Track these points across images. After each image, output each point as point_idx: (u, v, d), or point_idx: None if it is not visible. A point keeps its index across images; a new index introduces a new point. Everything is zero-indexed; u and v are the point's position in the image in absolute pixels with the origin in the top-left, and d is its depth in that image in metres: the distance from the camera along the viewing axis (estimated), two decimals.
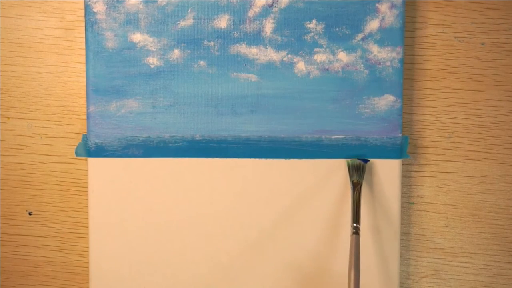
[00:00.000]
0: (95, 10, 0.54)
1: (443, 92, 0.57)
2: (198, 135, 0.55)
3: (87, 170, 0.56)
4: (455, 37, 0.56)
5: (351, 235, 0.51)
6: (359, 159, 0.54)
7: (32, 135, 0.59)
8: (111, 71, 0.55)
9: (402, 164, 0.57)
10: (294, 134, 0.55)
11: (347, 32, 0.54)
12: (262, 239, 0.56)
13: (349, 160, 0.54)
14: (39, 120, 0.59)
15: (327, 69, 0.55)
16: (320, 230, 0.55)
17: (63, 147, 0.59)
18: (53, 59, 0.58)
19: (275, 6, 0.54)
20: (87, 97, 0.55)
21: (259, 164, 0.55)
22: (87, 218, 0.57)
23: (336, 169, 0.55)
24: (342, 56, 0.54)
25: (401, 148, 0.54)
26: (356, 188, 0.53)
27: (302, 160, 0.55)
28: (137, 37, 0.55)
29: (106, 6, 0.54)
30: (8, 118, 0.59)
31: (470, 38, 0.56)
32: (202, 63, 0.55)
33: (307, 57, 0.54)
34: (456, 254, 0.58)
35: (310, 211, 0.55)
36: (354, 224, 0.52)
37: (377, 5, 0.54)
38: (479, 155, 0.57)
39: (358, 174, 0.54)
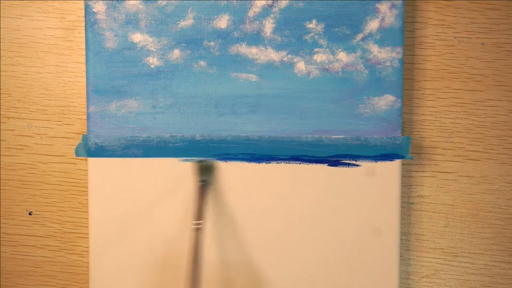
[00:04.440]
0: (95, 10, 0.54)
1: (443, 92, 0.57)
2: (198, 135, 0.55)
3: (87, 170, 0.56)
4: (455, 37, 0.56)
5: (194, 231, 0.52)
6: (207, 160, 0.55)
7: (32, 135, 0.59)
8: (111, 71, 0.55)
9: (402, 164, 0.57)
10: (294, 134, 0.55)
11: (347, 32, 0.54)
12: (262, 240, 0.56)
13: (198, 161, 0.55)
14: (39, 120, 0.59)
15: (327, 69, 0.55)
16: (322, 232, 0.55)
17: (63, 147, 0.59)
18: (53, 59, 0.58)
19: (275, 6, 0.54)
20: (87, 97, 0.55)
21: (260, 165, 0.55)
22: (87, 218, 0.57)
23: (335, 172, 0.55)
24: (342, 56, 0.54)
25: (403, 149, 0.54)
26: (204, 187, 0.54)
27: (302, 161, 0.55)
28: (137, 37, 0.55)
29: (106, 6, 0.54)
30: (8, 118, 0.59)
31: (470, 38, 0.56)
32: (202, 63, 0.55)
33: (307, 57, 0.54)
34: (456, 254, 0.58)
35: (310, 213, 0.55)
36: (197, 221, 0.53)
37: (377, 5, 0.54)
38: (479, 155, 0.57)
39: (207, 174, 0.54)
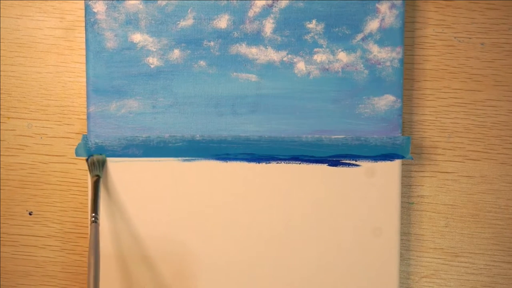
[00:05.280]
0: (95, 10, 0.54)
1: (443, 92, 0.57)
2: (198, 135, 0.55)
3: (87, 170, 0.56)
4: (455, 37, 0.56)
5: (90, 224, 0.52)
6: (98, 155, 0.55)
7: (32, 135, 0.59)
8: (111, 71, 0.55)
9: (402, 164, 0.57)
10: (294, 134, 0.55)
11: (347, 32, 0.54)
12: (262, 239, 0.56)
13: (89, 156, 0.55)
14: (39, 120, 0.59)
15: (327, 69, 0.55)
16: (322, 232, 0.55)
17: (63, 147, 0.59)
18: (53, 59, 0.58)
19: (275, 6, 0.54)
20: (87, 97, 0.55)
21: (260, 165, 0.55)
22: (88, 218, 0.57)
23: (337, 172, 0.55)
24: (342, 56, 0.54)
25: (403, 149, 0.54)
26: (96, 181, 0.54)
27: (302, 161, 0.55)
28: (137, 37, 0.55)
29: (106, 6, 0.54)
30: (8, 118, 0.59)
31: (470, 38, 0.56)
32: (202, 63, 0.55)
33: (307, 57, 0.54)
34: (456, 254, 0.58)
35: (310, 213, 0.55)
36: (93, 214, 0.52)
37: (377, 5, 0.54)
38: (479, 155, 0.57)
39: (99, 168, 0.54)
